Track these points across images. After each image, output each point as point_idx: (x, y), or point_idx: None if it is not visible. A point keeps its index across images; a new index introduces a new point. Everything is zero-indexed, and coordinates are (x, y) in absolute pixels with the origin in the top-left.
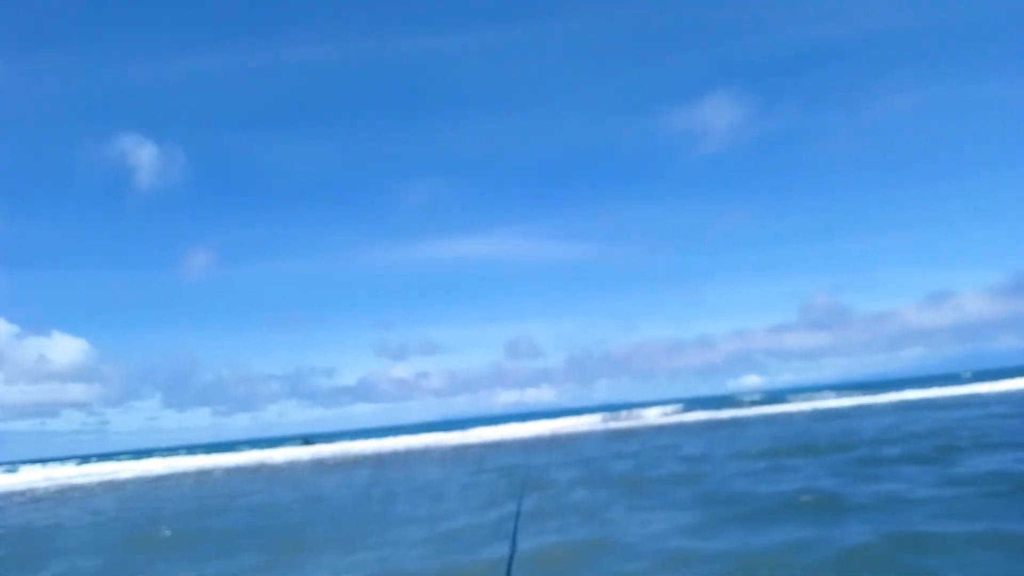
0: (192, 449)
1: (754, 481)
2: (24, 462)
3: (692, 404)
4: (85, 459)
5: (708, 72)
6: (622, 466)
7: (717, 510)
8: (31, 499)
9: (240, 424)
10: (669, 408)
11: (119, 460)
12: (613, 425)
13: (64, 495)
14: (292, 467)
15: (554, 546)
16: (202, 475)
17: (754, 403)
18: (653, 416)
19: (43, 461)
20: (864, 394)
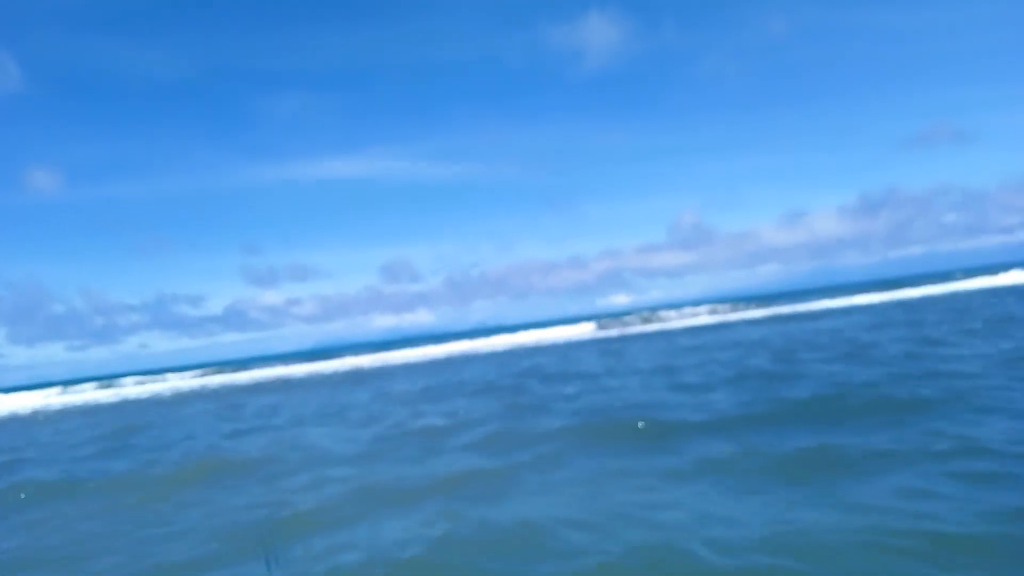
0: (46, 386)
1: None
2: None
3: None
4: None
5: None
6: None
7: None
8: None
9: (98, 357)
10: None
11: None
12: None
13: None
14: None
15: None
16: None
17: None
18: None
19: None
20: (735, 311)
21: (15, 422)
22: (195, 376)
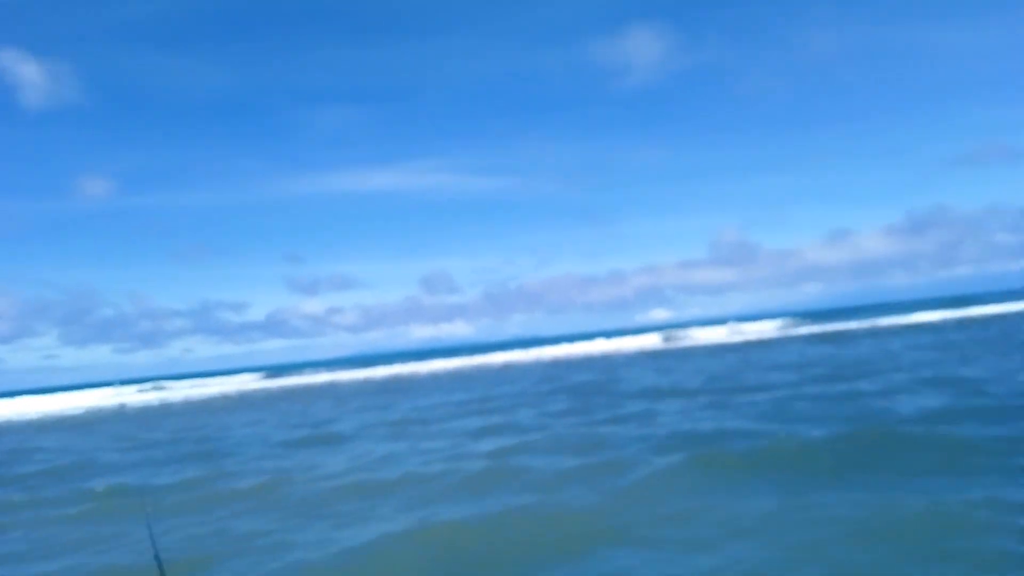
0: (96, 386)
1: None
2: None
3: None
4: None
5: (632, 4)
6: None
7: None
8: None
9: (144, 361)
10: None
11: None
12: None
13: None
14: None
15: None
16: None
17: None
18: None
19: None
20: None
21: (73, 422)
22: (256, 379)
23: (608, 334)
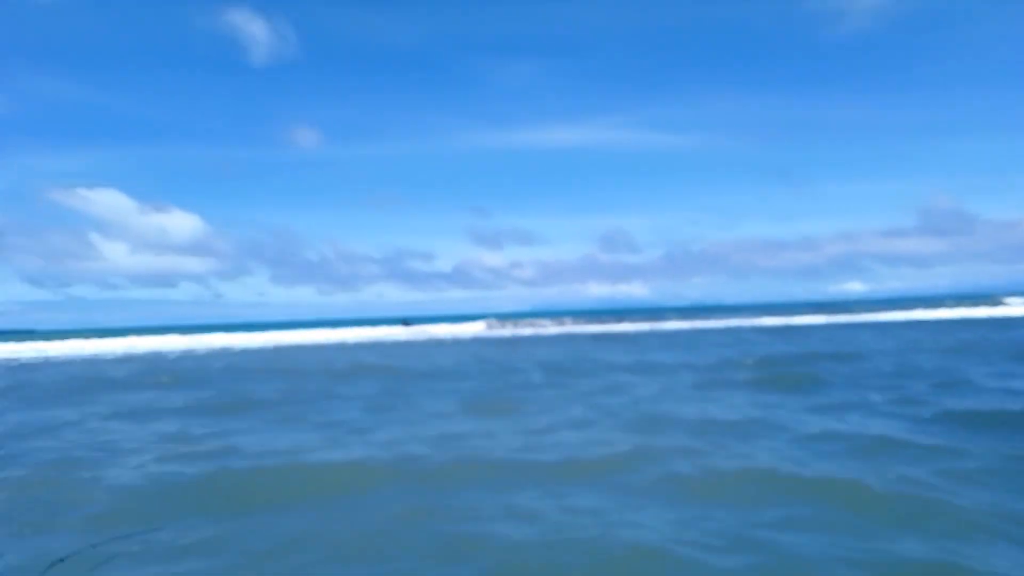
0: (302, 324)
1: None
2: (151, 328)
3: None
4: (249, 328)
5: None
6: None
7: None
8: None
9: (341, 303)
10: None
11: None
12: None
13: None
14: (404, 345)
15: None
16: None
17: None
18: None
19: (164, 329)
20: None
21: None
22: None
23: (797, 306)
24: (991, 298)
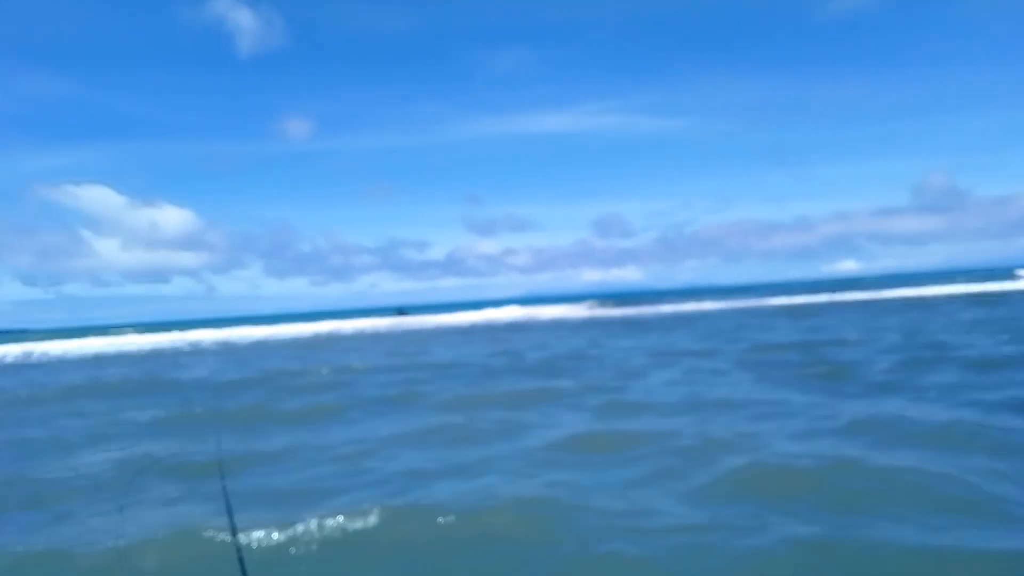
0: (296, 317)
1: None
2: (144, 324)
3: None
4: (239, 321)
5: None
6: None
7: None
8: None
9: (335, 294)
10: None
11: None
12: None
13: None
14: (402, 335)
15: None
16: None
17: None
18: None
19: (158, 325)
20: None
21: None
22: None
23: (787, 285)
24: (1007, 272)
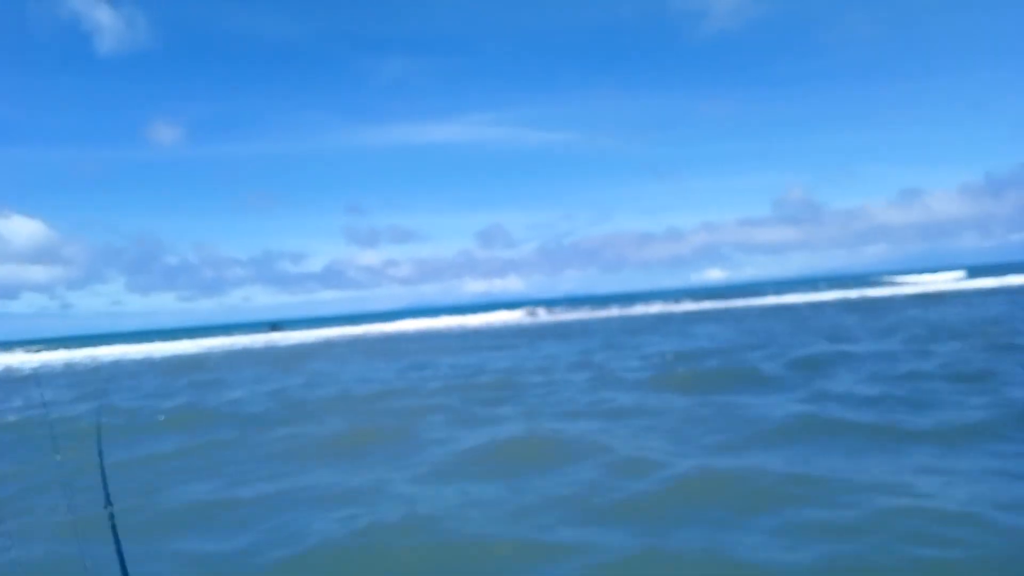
0: (160, 334)
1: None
2: None
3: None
4: (63, 341)
5: None
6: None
7: None
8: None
9: (205, 309)
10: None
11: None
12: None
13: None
14: (270, 351)
15: None
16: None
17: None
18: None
19: (7, 344)
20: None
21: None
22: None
23: (664, 294)
24: (879, 276)
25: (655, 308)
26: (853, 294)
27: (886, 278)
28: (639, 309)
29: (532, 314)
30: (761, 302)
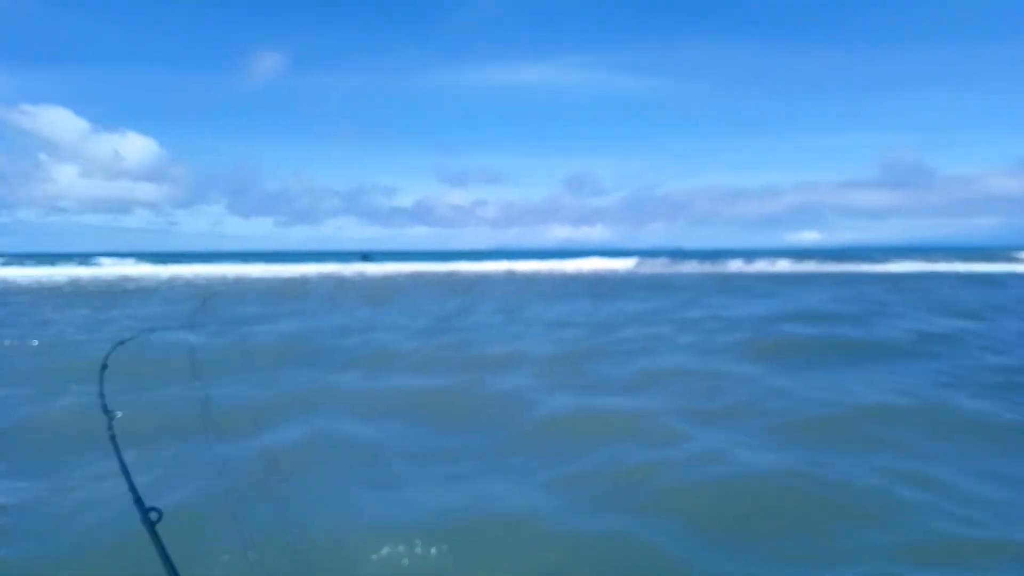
0: (258, 257)
1: None
2: (102, 254)
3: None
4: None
5: None
6: None
7: None
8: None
9: (299, 235)
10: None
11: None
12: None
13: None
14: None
15: None
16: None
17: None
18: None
19: (120, 255)
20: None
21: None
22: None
23: (755, 252)
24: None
25: (755, 267)
26: (967, 267)
27: (1003, 253)
28: (735, 266)
29: (641, 265)
30: (867, 268)
